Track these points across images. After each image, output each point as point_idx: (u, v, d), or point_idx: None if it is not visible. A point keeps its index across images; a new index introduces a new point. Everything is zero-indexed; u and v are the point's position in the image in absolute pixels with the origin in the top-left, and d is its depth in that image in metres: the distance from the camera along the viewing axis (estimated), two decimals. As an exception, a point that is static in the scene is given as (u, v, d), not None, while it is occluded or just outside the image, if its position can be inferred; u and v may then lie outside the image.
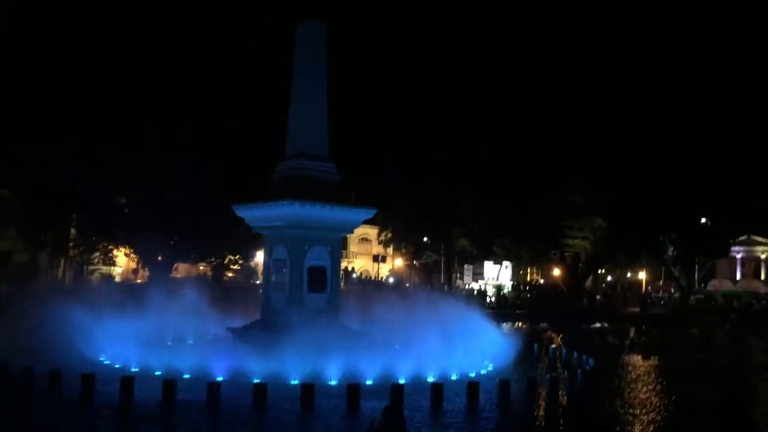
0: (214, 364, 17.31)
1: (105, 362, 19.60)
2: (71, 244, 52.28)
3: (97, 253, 54.08)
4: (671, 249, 60.61)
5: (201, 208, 43.62)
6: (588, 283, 64.37)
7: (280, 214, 22.03)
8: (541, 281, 72.55)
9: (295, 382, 16.63)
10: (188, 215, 44.96)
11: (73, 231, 51.94)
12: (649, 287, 72.89)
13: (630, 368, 24.04)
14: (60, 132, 44.01)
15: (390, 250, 73.10)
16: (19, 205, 46.69)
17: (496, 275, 66.12)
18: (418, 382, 17.14)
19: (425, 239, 64.75)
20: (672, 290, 69.04)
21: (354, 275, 65.56)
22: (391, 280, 67.44)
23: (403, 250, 69.77)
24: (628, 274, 79.35)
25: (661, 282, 74.96)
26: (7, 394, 15.98)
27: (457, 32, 55.03)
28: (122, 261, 58.89)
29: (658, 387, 19.98)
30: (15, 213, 47.00)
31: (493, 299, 55.65)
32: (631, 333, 36.55)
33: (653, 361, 25.89)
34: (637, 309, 54.94)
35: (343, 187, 22.96)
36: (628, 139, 52.50)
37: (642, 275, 73.09)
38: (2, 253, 48.63)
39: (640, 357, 26.90)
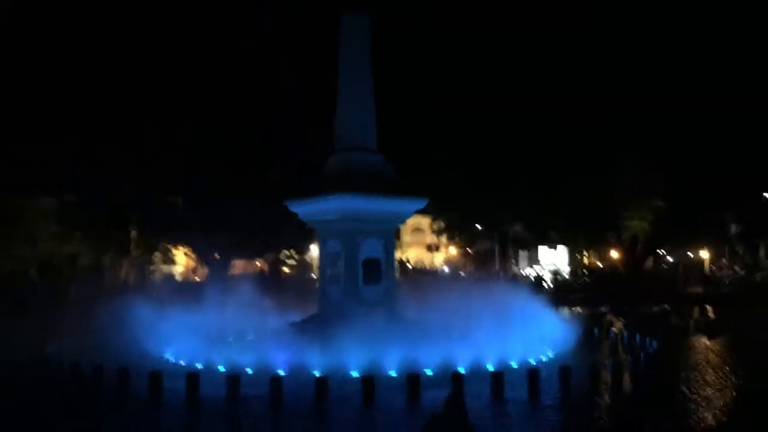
0: (275, 358, 17.56)
1: (169, 359, 20.11)
2: (132, 245, 53.85)
3: (157, 253, 55.63)
4: (734, 226, 58.73)
5: (255, 205, 44.29)
6: (648, 263, 63.00)
7: (332, 207, 22.17)
8: (599, 264, 71.31)
9: (354, 374, 16.77)
10: (243, 213, 45.74)
11: (133, 232, 53.47)
12: (712, 266, 70.83)
13: (695, 350, 23.45)
14: (122, 137, 45.21)
15: (443, 239, 72.92)
16: (84, 209, 48.27)
17: (552, 260, 65.31)
18: (477, 371, 17.06)
19: (478, 227, 64.33)
20: (736, 268, 66.93)
21: (408, 265, 65.63)
22: (445, 269, 67.29)
23: (457, 239, 69.49)
24: (690, 254, 77.26)
25: (724, 260, 72.76)
26: (79, 392, 16.57)
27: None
28: (182, 260, 60.37)
29: (726, 368, 19.42)
30: (80, 217, 48.64)
31: (550, 284, 55.01)
32: (695, 313, 35.63)
33: (719, 341, 25.18)
34: (700, 289, 53.48)
35: (394, 178, 22.95)
36: (685, 112, 50.91)
37: (704, 254, 71.06)
38: (69, 256, 50.42)
39: (705, 338, 26.20)
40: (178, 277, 57.81)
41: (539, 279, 57.12)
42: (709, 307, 39.32)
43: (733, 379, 17.83)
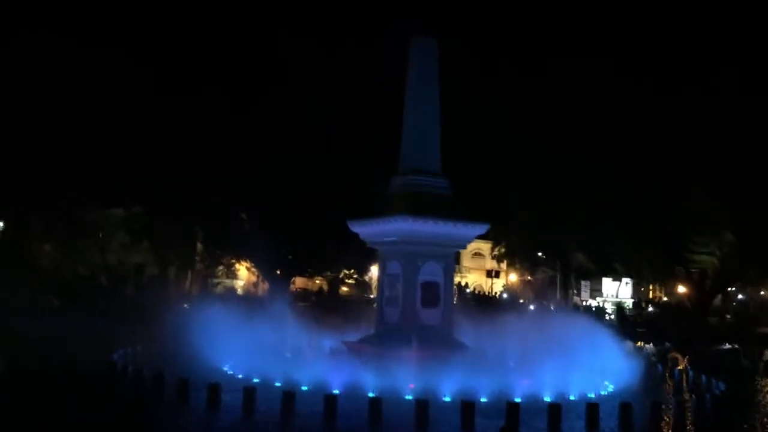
0: (331, 376, 17.66)
1: (228, 372, 20.44)
2: (197, 258, 55.18)
3: (220, 267, 56.85)
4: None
5: (318, 224, 44.88)
6: (717, 301, 60.74)
7: (393, 229, 22.27)
8: (665, 299, 69.14)
9: (409, 397, 16.69)
10: (306, 231, 46.41)
11: (198, 245, 54.82)
12: (786, 306, 67.69)
13: (765, 393, 22.41)
14: (184, 150, 46.57)
15: (504, 266, 72.10)
16: (151, 221, 49.82)
17: (616, 292, 63.71)
18: (534, 402, 16.76)
19: (540, 254, 63.40)
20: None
21: (467, 290, 65.09)
22: (505, 295, 66.44)
23: (518, 266, 68.60)
24: (762, 292, 74.09)
25: (798, 300, 69.51)
26: (140, 398, 17.03)
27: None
28: (243, 274, 61.46)
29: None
30: (147, 228, 50.22)
31: (612, 317, 53.62)
32: (766, 355, 34.11)
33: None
34: (772, 330, 51.18)
35: (456, 202, 22.94)
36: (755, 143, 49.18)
37: (777, 293, 68.05)
38: (136, 265, 52.06)
39: (776, 381, 25.04)
40: (239, 291, 58.87)
41: (601, 310, 55.79)
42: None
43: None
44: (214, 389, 16.13)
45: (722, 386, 21.30)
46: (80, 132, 44.00)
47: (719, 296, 61.44)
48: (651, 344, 40.01)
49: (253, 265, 55.25)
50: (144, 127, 45.49)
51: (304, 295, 54.77)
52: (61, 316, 34.12)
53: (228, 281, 60.16)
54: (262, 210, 48.46)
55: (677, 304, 60.44)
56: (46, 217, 47.34)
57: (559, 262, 61.68)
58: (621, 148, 49.62)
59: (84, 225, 48.16)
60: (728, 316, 59.30)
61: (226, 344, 21.23)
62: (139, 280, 50.85)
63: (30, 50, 43.94)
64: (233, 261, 56.61)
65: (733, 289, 69.32)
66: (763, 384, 24.61)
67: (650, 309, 60.58)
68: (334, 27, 52.01)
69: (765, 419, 17.88)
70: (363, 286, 61.34)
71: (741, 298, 74.46)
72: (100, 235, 50.37)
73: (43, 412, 14.85)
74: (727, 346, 41.78)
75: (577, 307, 56.72)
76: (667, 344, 39.89)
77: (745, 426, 16.78)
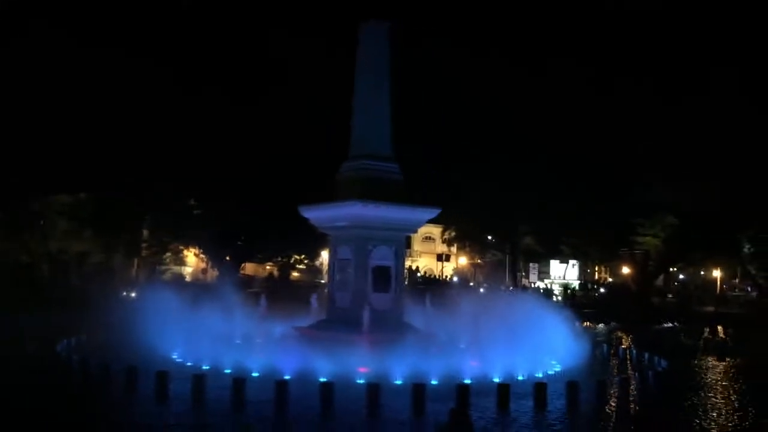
0: (282, 362, 17.56)
1: (177, 360, 20.14)
2: (144, 245, 54.09)
3: (168, 254, 55.84)
4: (747, 246, 58.26)
5: (267, 210, 44.51)
6: (659, 281, 62.58)
7: (344, 214, 22.21)
8: (610, 280, 70.95)
9: (360, 381, 16.73)
10: (254, 217, 45.95)
11: (145, 232, 53.71)
12: (724, 286, 70.29)
13: (705, 370, 23.23)
14: (133, 137, 45.55)
15: (454, 249, 72.75)
16: (95, 208, 48.53)
17: (563, 274, 65.02)
18: (483, 383, 16.99)
19: (490, 238, 64.18)
20: (749, 289, 66.39)
21: (418, 274, 65.54)
22: (455, 279, 67.13)
23: (468, 249, 69.32)
24: (702, 273, 76.73)
25: (736, 280, 72.25)
26: (86, 389, 16.65)
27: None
28: (192, 261, 60.57)
29: (735, 390, 19.23)
30: (91, 215, 48.92)
31: (559, 298, 54.75)
32: (705, 333, 35.34)
33: (729, 362, 24.94)
34: (711, 308, 53.05)
35: (407, 186, 22.96)
36: (698, 132, 50.74)
37: (716, 273, 70.56)
38: (79, 254, 50.69)
39: (715, 358, 25.96)
40: (188, 278, 58.01)
41: (548, 292, 56.88)
42: (720, 328, 39.02)
43: (742, 401, 17.65)
44: (162, 378, 15.88)
45: (664, 363, 21.98)
46: (25, 117, 42.66)
47: (662, 277, 63.34)
48: (597, 324, 41.03)
49: (201, 251, 54.49)
50: (90, 111, 44.32)
51: (253, 281, 54.33)
52: (2, 307, 33.04)
53: (176, 268, 59.18)
54: (211, 195, 47.74)
55: (622, 284, 62.10)
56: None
57: (508, 245, 62.56)
58: (573, 133, 50.60)
59: (28, 212, 46.69)
60: (670, 296, 61.25)
61: (175, 332, 20.91)
62: (82, 268, 49.54)
63: None
64: (181, 247, 55.68)
65: (675, 270, 71.60)
66: (702, 361, 25.51)
67: (596, 290, 62.09)
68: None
69: (700, 394, 18.56)
70: (314, 271, 61.14)
71: (682, 279, 77.03)
72: (42, 223, 48.87)
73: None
74: (669, 324, 43.15)
75: (526, 289, 57.72)
76: (612, 324, 40.98)
77: (686, 400, 17.37)
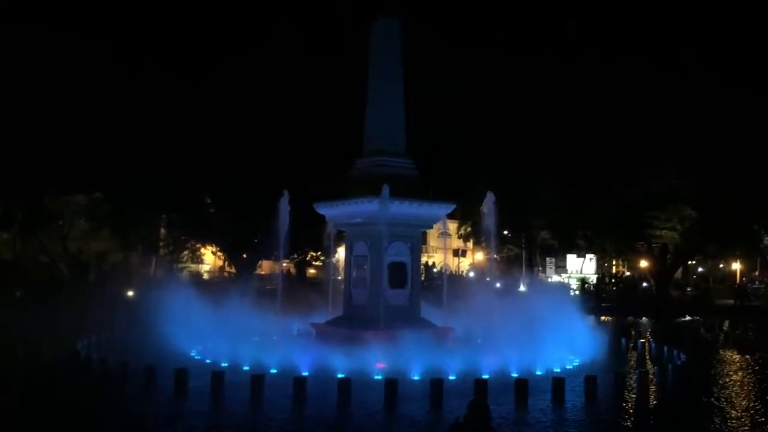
0: (299, 359, 17.63)
1: (196, 357, 20.27)
2: (161, 244, 54.47)
3: (185, 252, 56.19)
4: (766, 238, 57.56)
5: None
6: (677, 274, 62.02)
7: (359, 211, 22.24)
8: (628, 273, 70.43)
9: (378, 377, 16.77)
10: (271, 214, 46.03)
11: (162, 231, 54.08)
12: (744, 278, 69.54)
13: (725, 364, 23.03)
14: (148, 136, 45.90)
15: (470, 245, 72.56)
16: (112, 207, 48.94)
17: (580, 268, 64.62)
18: (501, 378, 16.97)
19: (506, 232, 63.92)
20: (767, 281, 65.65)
21: (434, 270, 65.43)
22: (471, 274, 66.94)
23: (483, 244, 69.04)
24: (721, 265, 75.96)
25: (757, 273, 71.45)
26: (106, 387, 16.80)
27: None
28: (209, 259, 60.90)
29: (756, 384, 19.04)
30: (108, 214, 49.34)
31: (576, 292, 54.45)
32: (725, 326, 35.03)
33: (750, 356, 24.69)
34: (731, 301, 52.52)
35: (422, 182, 22.95)
36: (716, 121, 50.20)
37: (736, 266, 69.80)
38: (98, 253, 51.17)
39: (735, 352, 25.72)
40: (205, 276, 58.34)
41: (565, 286, 56.54)
42: (740, 321, 38.64)
43: (763, 394, 17.47)
44: (182, 375, 16.00)
45: (683, 357, 21.83)
46: (39, 118, 43.12)
47: (680, 270, 62.74)
48: (615, 318, 40.76)
49: (218, 249, 54.76)
50: (105, 112, 44.79)
51: (270, 278, 54.54)
52: (22, 307, 33.41)
53: (193, 266, 59.54)
54: (227, 193, 47.96)
55: (640, 278, 61.62)
56: (4, 205, 46.23)
57: (523, 239, 62.29)
58: (588, 125, 50.36)
59: (44, 212, 47.18)
60: (689, 289, 60.69)
61: (193, 330, 21.05)
62: (101, 268, 50.01)
63: None
64: (198, 245, 56.01)
65: (693, 262, 70.89)
66: (721, 354, 25.28)
67: (613, 284, 61.65)
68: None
69: (722, 387, 18.39)
70: (330, 267, 61.19)
71: (701, 271, 76.28)
72: (60, 223, 49.36)
73: (7, 405, 14.57)
74: (688, 318, 42.80)
75: (542, 284, 57.38)
76: (630, 318, 40.71)
77: (706, 394, 17.23)
